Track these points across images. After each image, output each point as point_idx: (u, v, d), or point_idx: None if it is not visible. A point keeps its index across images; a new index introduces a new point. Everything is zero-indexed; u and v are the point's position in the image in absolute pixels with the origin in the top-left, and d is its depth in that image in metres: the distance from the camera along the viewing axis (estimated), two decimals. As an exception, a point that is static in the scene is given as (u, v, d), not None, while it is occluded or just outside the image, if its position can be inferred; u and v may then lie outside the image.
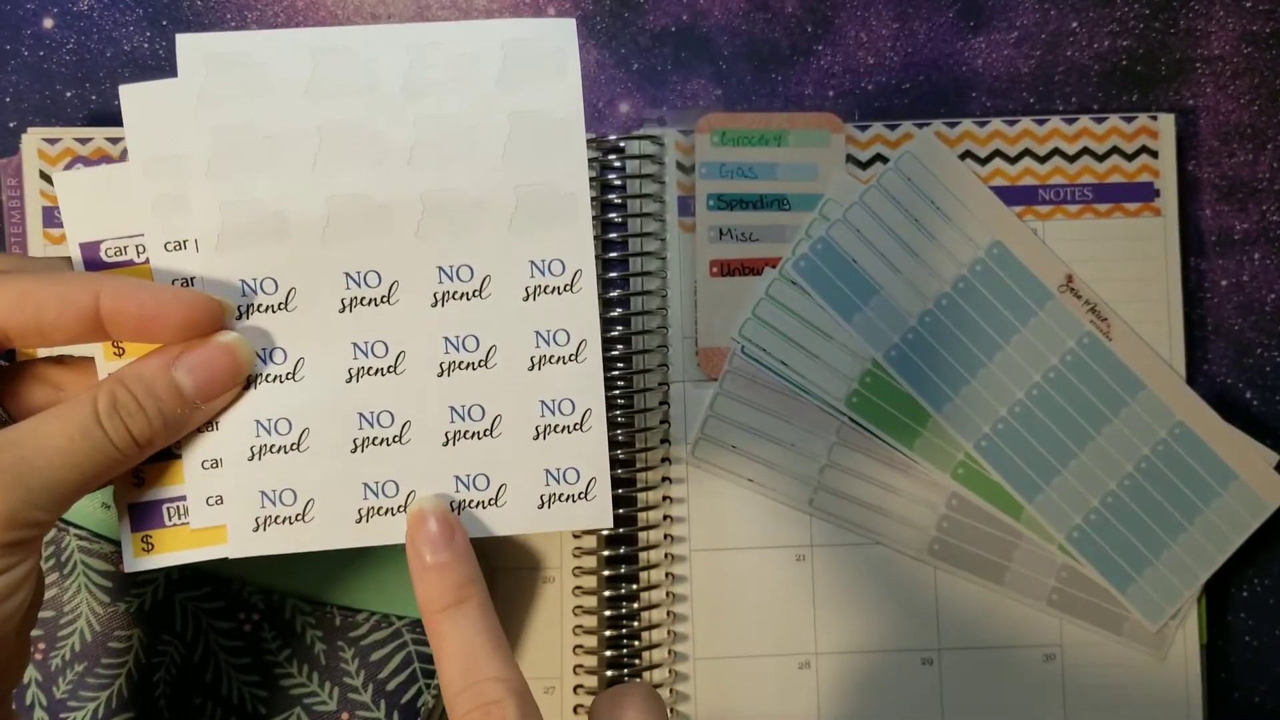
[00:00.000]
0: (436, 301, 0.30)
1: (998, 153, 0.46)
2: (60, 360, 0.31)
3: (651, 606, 0.44)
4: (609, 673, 0.44)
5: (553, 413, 0.31)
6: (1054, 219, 0.46)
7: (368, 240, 0.30)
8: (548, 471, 0.31)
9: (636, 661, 0.44)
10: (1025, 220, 0.46)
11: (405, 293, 0.30)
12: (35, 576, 0.29)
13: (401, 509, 0.31)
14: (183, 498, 0.30)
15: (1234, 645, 0.47)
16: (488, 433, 0.31)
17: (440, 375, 0.30)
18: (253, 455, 0.30)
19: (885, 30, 0.47)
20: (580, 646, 0.44)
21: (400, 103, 0.29)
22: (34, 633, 0.41)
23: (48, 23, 0.47)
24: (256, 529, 0.30)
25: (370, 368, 0.30)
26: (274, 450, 0.30)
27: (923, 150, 0.46)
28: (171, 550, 0.31)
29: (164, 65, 0.47)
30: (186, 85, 0.28)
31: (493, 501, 0.31)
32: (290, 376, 0.30)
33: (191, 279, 0.30)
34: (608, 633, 0.44)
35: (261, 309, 0.30)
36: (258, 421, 0.30)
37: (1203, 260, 0.47)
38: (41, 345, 0.29)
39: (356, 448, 0.30)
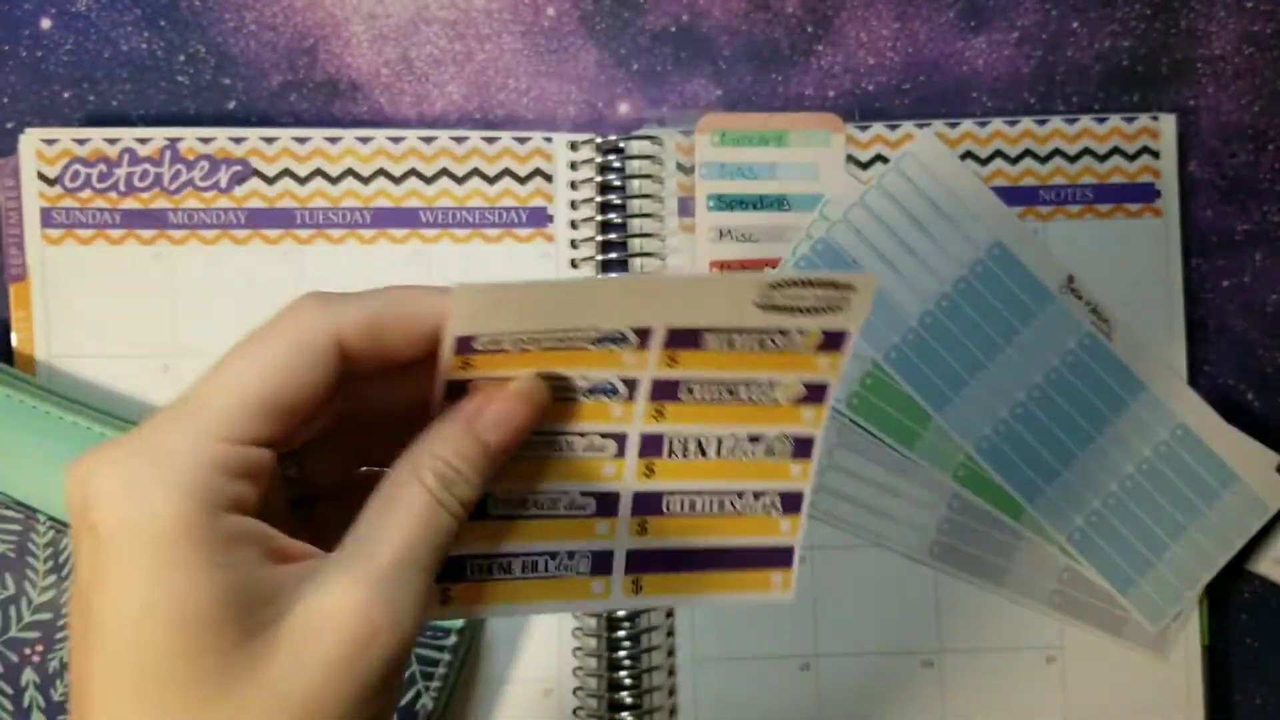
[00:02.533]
0: None
1: (999, 153, 0.46)
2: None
3: (651, 608, 0.44)
4: (609, 673, 0.44)
5: None
6: (1055, 219, 0.46)
7: None
8: None
9: (636, 663, 0.44)
10: (1026, 221, 0.46)
11: None
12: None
13: None
14: (485, 555, 0.30)
15: (1235, 647, 0.47)
16: None
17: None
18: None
19: (886, 30, 0.47)
20: (580, 648, 0.44)
21: None
22: (32, 635, 0.41)
23: (45, 23, 0.46)
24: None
25: None
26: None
27: (923, 151, 0.46)
28: (487, 602, 0.30)
29: (161, 66, 0.46)
30: None
31: None
32: None
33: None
34: (607, 634, 0.44)
35: None
36: None
37: (1204, 261, 0.47)
38: (380, 366, 0.28)
39: None
